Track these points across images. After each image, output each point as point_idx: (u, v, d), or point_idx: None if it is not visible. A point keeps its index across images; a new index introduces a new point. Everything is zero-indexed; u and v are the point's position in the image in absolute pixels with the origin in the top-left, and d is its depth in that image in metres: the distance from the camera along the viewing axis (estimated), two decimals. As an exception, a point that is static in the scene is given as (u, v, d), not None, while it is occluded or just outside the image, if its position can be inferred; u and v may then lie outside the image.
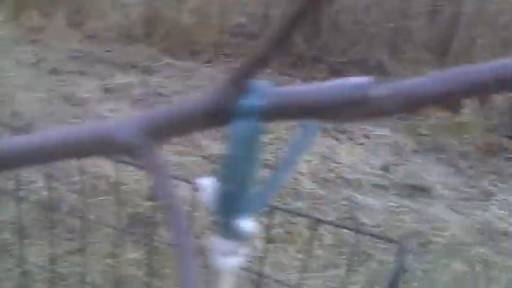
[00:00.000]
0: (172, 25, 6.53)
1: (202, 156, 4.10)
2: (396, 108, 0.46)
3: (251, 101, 0.52)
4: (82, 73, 5.62)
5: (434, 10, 6.02)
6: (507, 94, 5.37)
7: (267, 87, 0.52)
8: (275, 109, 0.51)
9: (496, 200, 3.88)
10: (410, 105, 0.46)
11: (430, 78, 0.45)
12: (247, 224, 0.58)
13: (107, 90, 5.12)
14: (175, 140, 4.29)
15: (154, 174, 0.55)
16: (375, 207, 3.58)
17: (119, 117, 4.61)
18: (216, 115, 0.53)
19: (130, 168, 3.70)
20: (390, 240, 1.33)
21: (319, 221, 1.36)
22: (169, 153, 4.07)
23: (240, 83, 0.51)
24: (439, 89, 0.44)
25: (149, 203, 3.44)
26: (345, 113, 0.48)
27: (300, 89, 0.51)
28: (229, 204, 0.56)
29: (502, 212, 3.73)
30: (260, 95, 0.52)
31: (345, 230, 3.19)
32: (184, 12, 6.53)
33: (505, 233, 3.51)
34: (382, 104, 0.45)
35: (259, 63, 0.49)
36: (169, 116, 0.55)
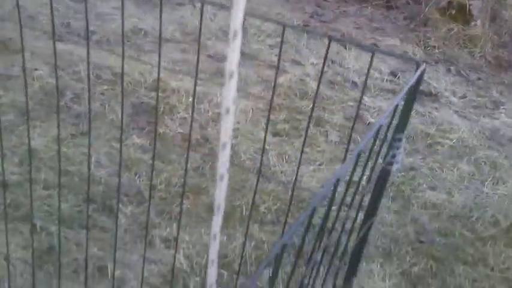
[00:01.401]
0: None
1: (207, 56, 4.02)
2: None
3: None
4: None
5: None
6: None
7: None
8: None
9: (504, 108, 3.83)
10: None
11: None
12: None
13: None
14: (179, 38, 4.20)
15: None
16: (382, 109, 3.53)
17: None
18: None
19: (134, 61, 3.63)
20: (408, 59, 1.31)
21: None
22: (174, 50, 3.99)
23: None
24: None
25: (153, 94, 3.38)
26: None
27: None
28: None
29: (510, 120, 3.69)
30: None
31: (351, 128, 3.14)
32: None
33: (512, 140, 3.48)
34: None
35: None
36: None
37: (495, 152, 3.29)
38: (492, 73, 4.48)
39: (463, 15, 4.84)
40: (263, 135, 3.18)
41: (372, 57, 1.23)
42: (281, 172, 2.97)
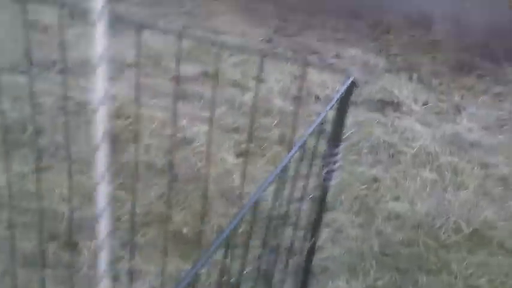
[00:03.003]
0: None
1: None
2: None
3: None
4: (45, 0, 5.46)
5: None
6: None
7: None
8: None
9: (466, 113, 3.89)
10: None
11: None
12: None
13: (72, 16, 4.99)
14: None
15: None
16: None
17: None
18: None
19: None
20: (337, 71, 1.35)
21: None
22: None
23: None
24: None
25: (119, 122, 3.40)
26: None
27: None
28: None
29: (472, 124, 3.75)
30: None
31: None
32: None
33: (474, 144, 3.54)
34: None
35: None
36: None
37: (456, 157, 3.35)
38: (454, 77, 4.54)
39: (425, 21, 4.91)
40: (227, 156, 3.22)
41: (304, 71, 1.26)
42: (246, 193, 3.00)
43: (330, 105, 1.30)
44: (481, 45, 5.25)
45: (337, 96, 1.31)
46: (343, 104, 1.33)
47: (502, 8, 5.51)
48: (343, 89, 1.31)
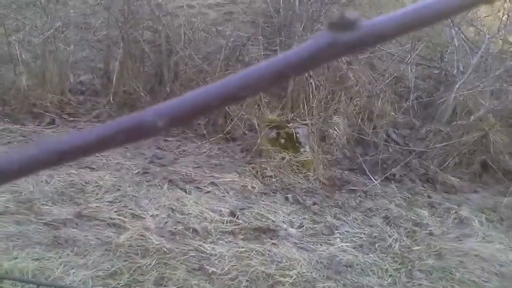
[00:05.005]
0: (10, 89, 6.29)
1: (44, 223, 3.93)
2: None
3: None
4: None
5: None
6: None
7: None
8: None
9: (339, 233, 4.03)
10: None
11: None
12: None
13: None
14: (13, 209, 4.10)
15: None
16: (223, 255, 3.60)
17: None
18: None
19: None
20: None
21: None
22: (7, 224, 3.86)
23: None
24: None
25: None
26: None
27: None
28: None
29: (346, 244, 3.88)
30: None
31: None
32: (22, 75, 6.31)
33: (350, 265, 3.65)
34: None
35: None
36: None
37: (333, 282, 3.43)
38: (327, 194, 4.73)
39: (292, 143, 5.14)
40: (104, 308, 3.12)
41: None
42: None
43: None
44: (348, 158, 5.55)
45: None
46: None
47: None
48: None
